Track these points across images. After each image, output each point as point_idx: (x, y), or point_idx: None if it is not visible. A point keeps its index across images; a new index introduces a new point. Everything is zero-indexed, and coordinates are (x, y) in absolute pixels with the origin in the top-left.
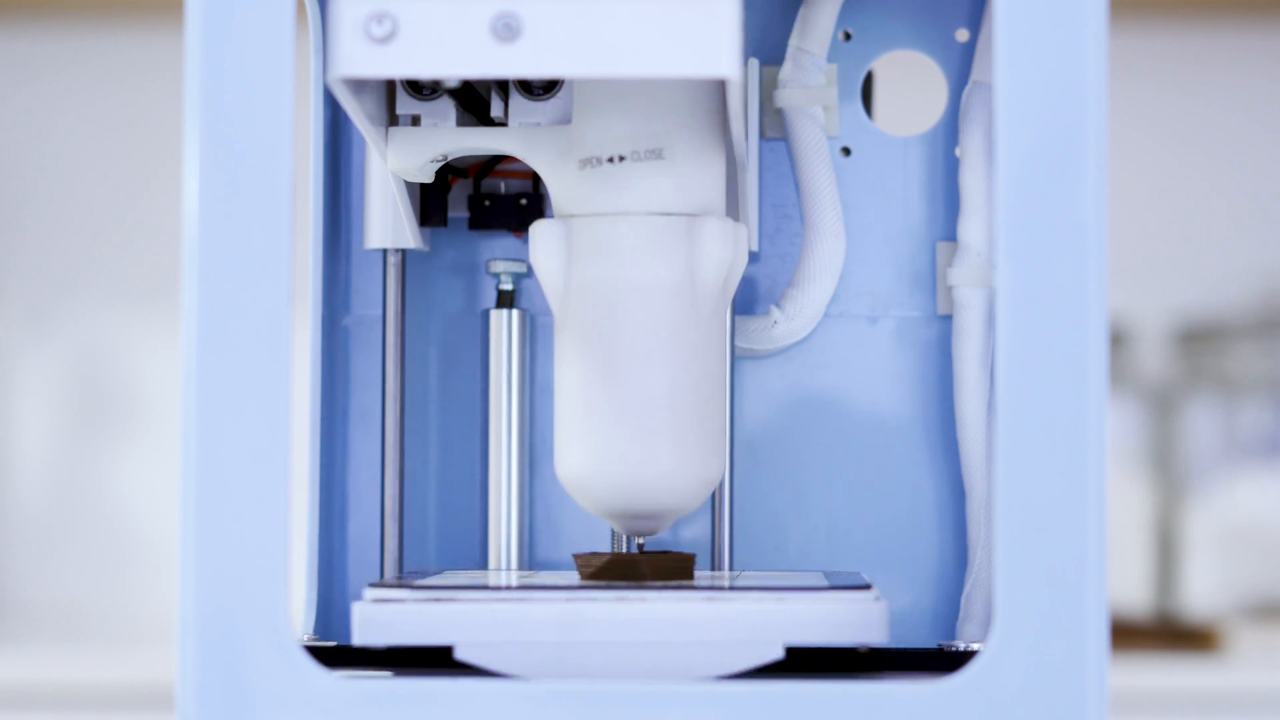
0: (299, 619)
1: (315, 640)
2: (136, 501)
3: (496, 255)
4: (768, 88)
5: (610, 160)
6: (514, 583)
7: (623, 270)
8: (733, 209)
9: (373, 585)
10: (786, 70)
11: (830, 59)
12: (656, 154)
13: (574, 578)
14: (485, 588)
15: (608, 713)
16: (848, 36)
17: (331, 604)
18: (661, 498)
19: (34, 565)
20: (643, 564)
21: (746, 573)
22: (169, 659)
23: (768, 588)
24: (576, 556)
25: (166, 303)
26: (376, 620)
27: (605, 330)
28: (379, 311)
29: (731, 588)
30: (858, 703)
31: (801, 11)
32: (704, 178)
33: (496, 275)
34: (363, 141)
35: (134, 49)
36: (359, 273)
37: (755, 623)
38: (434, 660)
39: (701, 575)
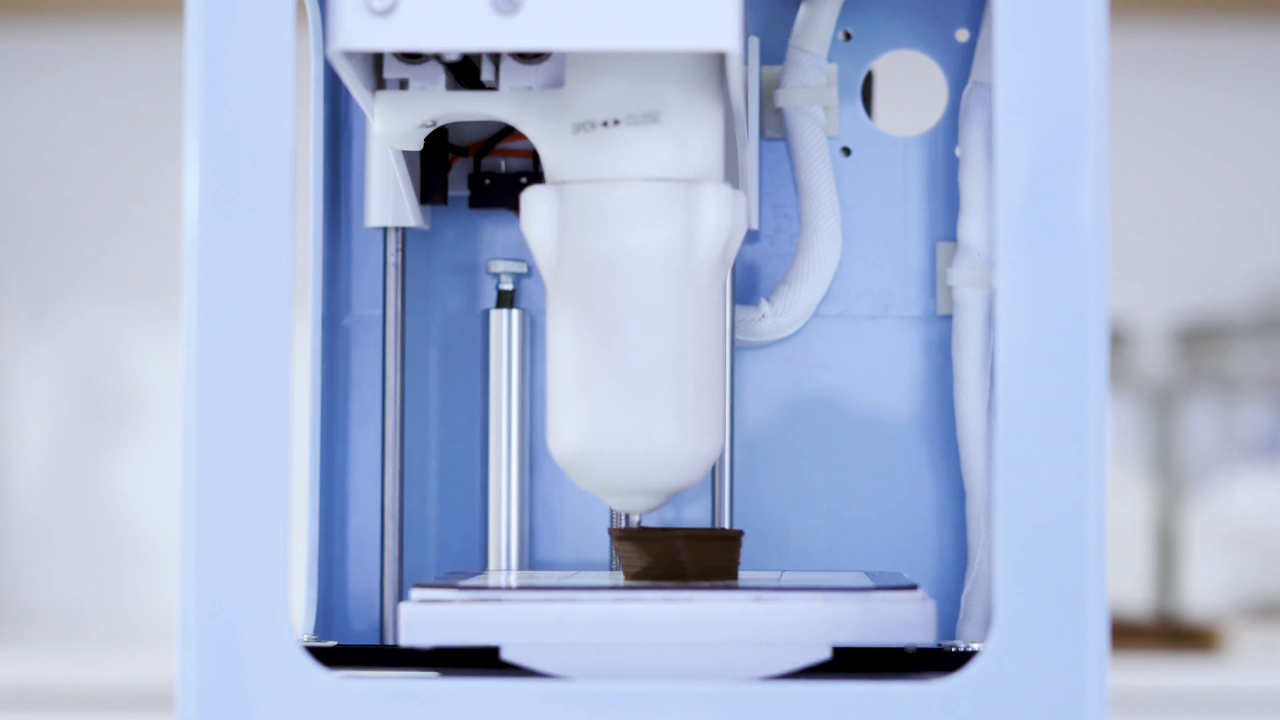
0: (299, 619)
1: (315, 640)
2: (136, 501)
3: (497, 243)
4: (768, 88)
5: (604, 124)
6: (558, 583)
7: (618, 237)
8: (733, 184)
9: (419, 585)
10: (786, 70)
11: (830, 59)
12: (652, 118)
13: (614, 578)
14: (531, 588)
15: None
16: (848, 36)
17: (331, 604)
18: (659, 473)
19: (34, 565)
20: (688, 564)
21: (789, 572)
22: (169, 659)
23: (814, 588)
24: (612, 531)
25: (166, 303)
26: (424, 620)
27: (600, 299)
28: (379, 311)
29: (777, 588)
30: (858, 703)
31: (801, 11)
32: (701, 142)
33: (496, 275)
34: (363, 125)
35: (135, 49)
36: (359, 271)
37: (803, 624)
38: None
39: (746, 575)
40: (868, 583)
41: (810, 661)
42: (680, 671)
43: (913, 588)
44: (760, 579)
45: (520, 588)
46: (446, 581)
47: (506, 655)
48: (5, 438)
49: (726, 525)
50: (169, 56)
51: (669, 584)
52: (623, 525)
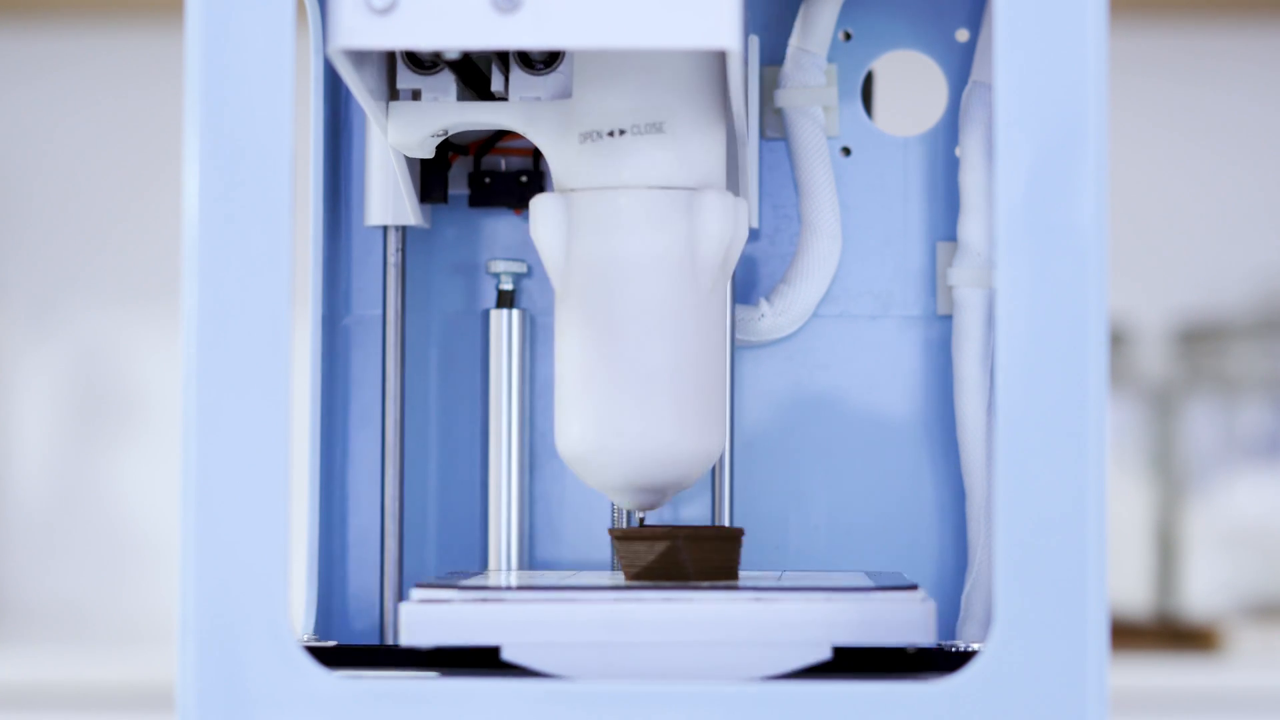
0: (299, 619)
1: (315, 640)
2: (136, 501)
3: (497, 242)
4: (768, 88)
5: (610, 134)
6: (558, 583)
7: (623, 244)
8: (733, 185)
9: (419, 585)
10: (786, 70)
11: (830, 59)
12: (657, 128)
13: (615, 578)
14: (532, 588)
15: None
16: (848, 36)
17: (331, 604)
18: (662, 471)
19: (34, 565)
20: (688, 564)
21: (790, 572)
22: (169, 659)
23: (815, 588)
24: (613, 531)
25: (166, 303)
26: (424, 620)
27: (606, 304)
28: (379, 311)
29: (778, 588)
30: (858, 703)
31: (801, 11)
32: (704, 151)
33: (496, 275)
34: (363, 124)
35: (134, 49)
36: (359, 271)
37: (803, 624)
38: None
39: (745, 575)
40: (868, 583)
41: (810, 661)
42: (680, 671)
43: (913, 588)
44: (761, 579)
45: (521, 588)
46: (447, 581)
47: (507, 655)
48: (5, 438)
49: (726, 524)
50: (169, 56)
51: (670, 584)
52: (624, 524)
